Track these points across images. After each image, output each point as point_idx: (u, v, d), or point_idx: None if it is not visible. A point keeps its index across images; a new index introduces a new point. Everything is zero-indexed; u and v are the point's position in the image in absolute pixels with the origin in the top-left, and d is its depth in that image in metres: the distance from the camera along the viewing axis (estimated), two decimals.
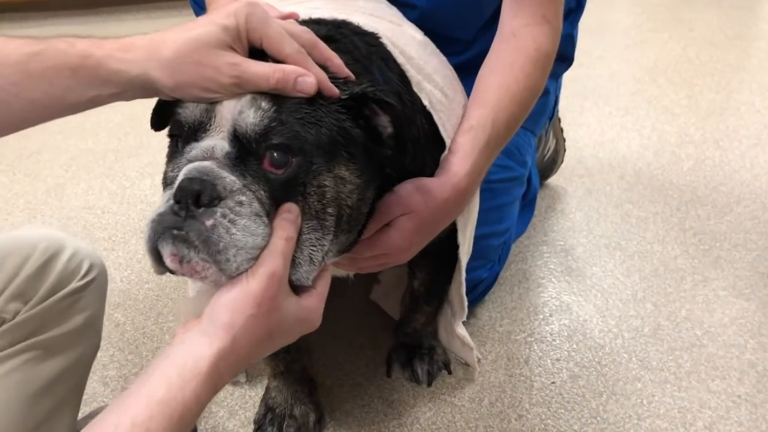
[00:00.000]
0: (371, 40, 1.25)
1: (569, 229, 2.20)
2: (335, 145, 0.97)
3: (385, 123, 1.03)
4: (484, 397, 1.61)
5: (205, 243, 0.85)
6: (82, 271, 1.20)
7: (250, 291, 0.84)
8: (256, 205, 0.89)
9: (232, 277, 0.87)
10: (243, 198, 0.88)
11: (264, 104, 0.92)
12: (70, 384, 1.20)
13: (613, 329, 1.79)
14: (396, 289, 1.72)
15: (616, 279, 1.97)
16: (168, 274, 0.90)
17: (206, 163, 0.90)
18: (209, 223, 0.86)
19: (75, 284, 1.18)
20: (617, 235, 2.16)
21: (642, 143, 2.71)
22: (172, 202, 0.88)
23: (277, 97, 0.92)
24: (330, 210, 0.97)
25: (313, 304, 0.94)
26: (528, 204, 2.13)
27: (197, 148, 0.92)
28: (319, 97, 0.95)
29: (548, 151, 2.35)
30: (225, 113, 0.92)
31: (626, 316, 1.84)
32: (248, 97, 0.92)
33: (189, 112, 0.94)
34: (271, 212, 0.90)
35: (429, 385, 1.63)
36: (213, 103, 0.93)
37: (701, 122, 2.86)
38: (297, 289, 0.93)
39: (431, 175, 1.25)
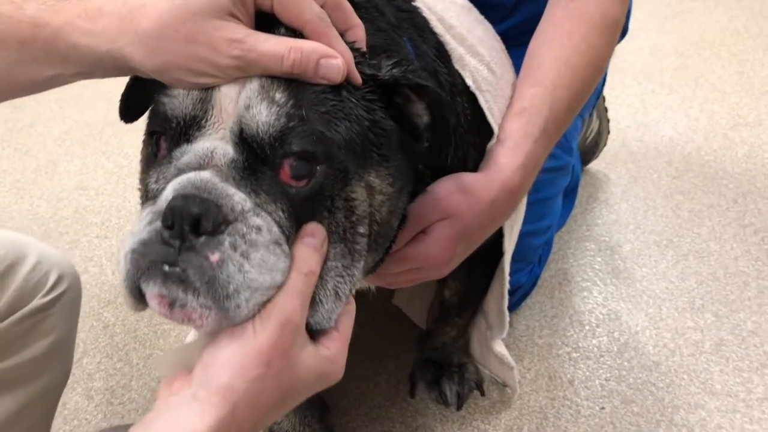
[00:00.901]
0: (402, 3, 1.03)
1: (614, 222, 1.96)
2: (366, 145, 0.75)
3: (420, 111, 0.82)
4: (523, 425, 1.39)
5: (209, 285, 0.64)
6: (48, 284, 0.98)
7: (258, 345, 0.64)
8: (275, 230, 0.68)
9: (237, 323, 0.66)
10: (258, 221, 0.67)
11: (278, 96, 0.70)
12: (33, 420, 0.99)
13: (669, 344, 1.57)
14: (422, 296, 1.50)
15: (669, 283, 1.74)
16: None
17: (205, 175, 0.68)
18: (215, 258, 0.64)
19: (39, 301, 0.97)
20: (668, 231, 1.92)
21: (690, 125, 2.46)
22: (158, 225, 0.66)
23: (292, 83, 0.70)
24: (361, 229, 0.76)
25: (335, 351, 0.72)
26: (569, 193, 1.89)
27: (190, 152, 0.70)
28: (345, 81, 0.74)
29: (591, 133, 2.10)
30: (226, 105, 0.70)
31: (683, 328, 1.61)
32: (255, 84, 0.70)
33: (177, 102, 0.71)
34: (291, 237, 0.69)
35: (459, 408, 1.42)
36: (209, 90, 0.71)
37: (755, 102, 2.60)
38: (313, 332, 0.72)
39: (474, 169, 1.03)
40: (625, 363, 1.52)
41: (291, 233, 0.70)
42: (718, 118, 2.50)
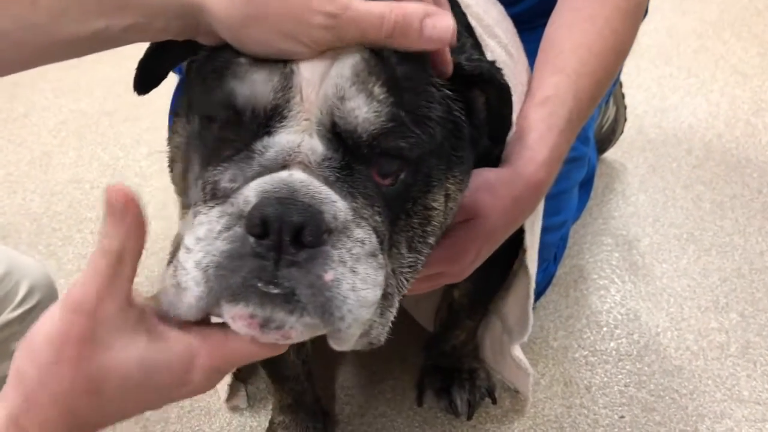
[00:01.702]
0: None
1: (632, 215, 1.86)
2: (448, 149, 0.70)
3: (480, 106, 0.77)
4: None
5: (323, 307, 0.57)
6: (18, 297, 0.91)
7: (46, 331, 0.56)
8: (374, 240, 0.61)
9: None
10: (361, 234, 0.61)
11: (377, 91, 0.62)
12: None
13: (692, 346, 1.48)
14: (429, 297, 1.41)
15: (691, 280, 1.64)
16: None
17: (301, 176, 0.60)
18: (329, 276, 0.58)
19: (7, 316, 0.90)
20: (689, 224, 1.82)
21: (710, 110, 2.35)
22: (240, 233, 0.58)
23: (388, 76, 0.63)
24: (431, 240, 0.71)
25: (190, 361, 0.60)
26: (584, 185, 1.79)
27: (274, 146, 0.62)
28: (430, 76, 0.68)
29: (607, 120, 2.00)
30: (308, 93, 0.62)
31: (707, 329, 1.51)
32: (347, 70, 0.62)
33: (257, 90, 0.62)
34: (384, 243, 0.64)
35: (469, 417, 1.34)
36: (289, 75, 0.62)
37: None
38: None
39: (494, 164, 0.95)
40: (646, 368, 1.43)
41: (385, 239, 0.64)
42: (740, 103, 2.39)
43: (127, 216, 0.56)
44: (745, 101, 2.39)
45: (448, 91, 0.70)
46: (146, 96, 2.44)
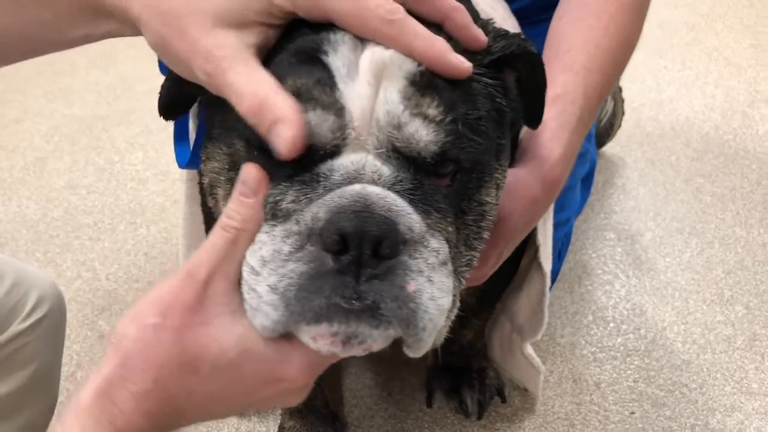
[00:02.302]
0: None
1: (633, 209, 1.86)
2: (494, 139, 0.69)
3: (512, 84, 0.75)
4: None
5: (407, 318, 0.57)
6: (27, 308, 0.89)
7: (156, 294, 0.57)
8: (445, 249, 0.62)
9: None
10: (435, 243, 0.61)
11: (432, 112, 0.61)
12: None
13: (699, 340, 1.47)
14: None
15: (695, 273, 1.64)
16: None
17: (377, 189, 0.59)
18: (412, 287, 0.57)
19: (16, 327, 0.87)
20: (691, 217, 1.82)
21: (706, 102, 2.35)
22: (313, 251, 0.57)
23: (436, 90, 0.61)
24: (485, 235, 0.70)
25: (293, 347, 0.59)
26: (585, 180, 1.78)
27: (339, 169, 0.60)
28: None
29: (605, 114, 2.00)
30: (363, 125, 0.60)
31: (713, 322, 1.51)
32: (394, 95, 0.60)
33: (315, 131, 0.59)
34: (452, 250, 0.64)
35: (480, 417, 1.33)
36: (341, 111, 0.60)
37: None
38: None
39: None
40: (654, 362, 1.43)
41: (452, 246, 0.63)
42: (736, 95, 2.39)
43: (259, 194, 0.58)
44: (741, 93, 2.40)
45: (488, 80, 0.68)
46: (138, 100, 2.42)
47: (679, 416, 1.32)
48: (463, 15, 0.67)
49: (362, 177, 0.59)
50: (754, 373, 1.39)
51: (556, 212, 1.45)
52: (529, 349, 1.25)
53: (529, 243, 1.14)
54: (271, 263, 0.57)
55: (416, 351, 0.62)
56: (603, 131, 2.02)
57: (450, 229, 0.63)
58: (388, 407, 1.36)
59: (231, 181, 0.65)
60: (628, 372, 1.41)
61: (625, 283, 1.62)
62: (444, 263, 0.61)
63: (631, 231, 1.78)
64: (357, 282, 0.56)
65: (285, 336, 0.59)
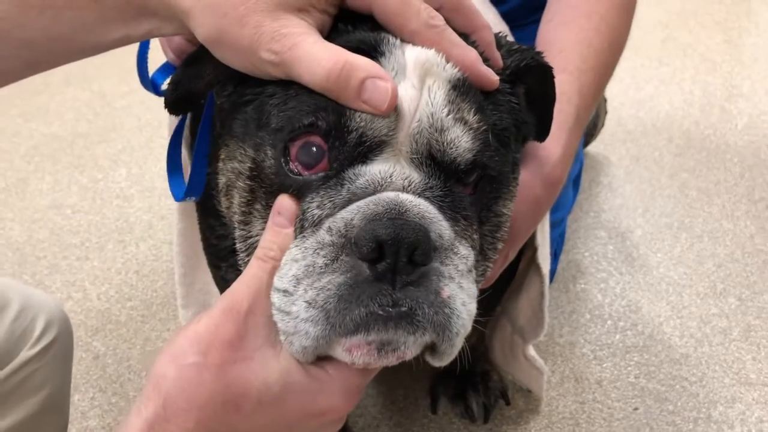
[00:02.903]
0: None
1: (621, 206, 1.88)
2: (513, 151, 0.71)
3: (522, 97, 0.77)
4: None
5: (442, 324, 0.57)
6: (36, 333, 0.87)
7: (196, 331, 0.56)
8: (472, 256, 0.62)
9: None
10: (464, 250, 0.61)
11: (471, 119, 0.61)
12: None
13: (696, 333, 1.49)
14: None
15: (687, 268, 1.66)
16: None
17: (410, 197, 0.59)
18: (446, 293, 0.58)
19: (26, 353, 0.86)
20: (679, 212, 1.85)
21: (685, 98, 2.39)
22: (348, 261, 0.56)
23: (472, 97, 0.62)
24: (499, 246, 0.71)
25: (332, 374, 0.59)
26: (574, 179, 1.81)
27: (365, 174, 0.60)
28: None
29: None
30: (405, 126, 0.60)
31: (708, 315, 1.53)
32: (440, 98, 0.60)
33: (377, 120, 0.59)
34: (475, 255, 0.64)
35: (486, 421, 1.33)
36: (396, 111, 0.60)
37: (747, 71, 2.54)
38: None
39: None
40: (653, 358, 1.44)
41: (476, 253, 0.64)
42: (713, 90, 2.43)
43: (293, 224, 0.59)
44: (717, 87, 2.44)
45: (509, 92, 0.70)
46: (118, 117, 2.40)
47: (682, 410, 1.33)
48: (489, 32, 0.69)
49: (389, 185, 0.59)
50: (751, 363, 1.41)
51: (552, 212, 1.46)
52: (532, 351, 1.25)
53: (526, 245, 1.15)
54: (305, 279, 0.57)
55: (445, 358, 0.62)
56: (587, 131, 2.04)
57: (475, 236, 0.64)
58: (393, 415, 1.36)
59: (250, 191, 0.64)
60: (629, 368, 1.42)
61: (620, 281, 1.63)
62: (470, 270, 0.62)
63: (621, 228, 1.80)
64: (393, 289, 0.56)
65: (321, 366, 0.59)
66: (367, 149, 0.60)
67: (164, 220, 1.96)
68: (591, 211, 1.87)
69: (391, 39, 0.62)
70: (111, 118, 2.48)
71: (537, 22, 1.18)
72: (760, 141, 2.12)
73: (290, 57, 0.57)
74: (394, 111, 0.59)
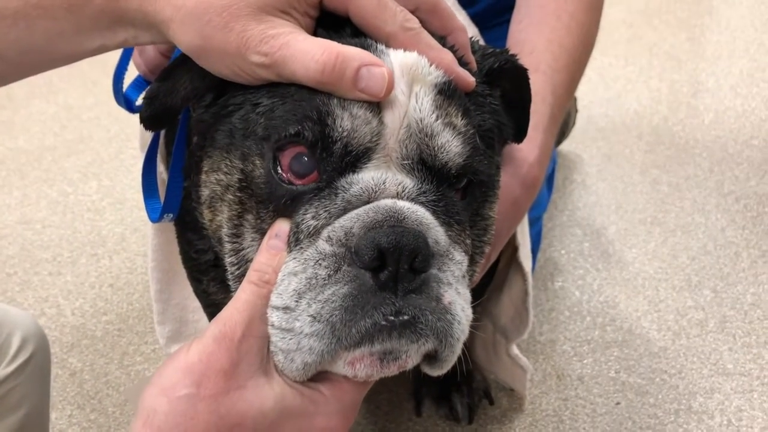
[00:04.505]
0: None
1: (595, 204, 1.90)
2: (498, 153, 0.72)
3: (498, 99, 0.76)
4: (540, 431, 1.31)
5: (444, 330, 0.57)
6: (12, 351, 0.85)
7: (187, 362, 0.54)
8: (465, 262, 0.62)
9: None
10: (458, 255, 0.61)
11: (459, 122, 0.61)
12: None
13: (673, 326, 1.51)
14: None
15: (662, 262, 1.68)
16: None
17: (407, 204, 0.59)
18: (448, 299, 0.58)
19: (2, 371, 0.84)
20: (651, 208, 1.87)
21: (652, 96, 2.42)
22: (350, 271, 0.56)
23: (457, 100, 0.62)
24: (486, 250, 0.71)
25: (326, 393, 0.59)
26: (548, 178, 1.82)
27: (358, 182, 0.59)
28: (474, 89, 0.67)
29: None
30: (393, 133, 0.60)
31: (684, 308, 1.55)
32: (428, 104, 0.60)
33: (360, 127, 0.58)
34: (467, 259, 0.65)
35: (471, 421, 1.33)
36: (378, 115, 0.59)
37: (711, 67, 2.58)
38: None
39: None
40: (633, 352, 1.45)
41: (468, 255, 0.64)
42: (679, 87, 2.47)
43: (286, 246, 0.57)
44: (683, 84, 2.48)
45: (488, 94, 0.70)
46: (86, 129, 2.37)
47: (663, 402, 1.34)
48: (465, 35, 0.69)
49: (383, 192, 0.59)
50: (728, 353, 1.43)
51: (529, 211, 1.47)
52: (515, 350, 1.26)
53: (506, 244, 1.15)
54: (308, 293, 0.56)
55: (445, 365, 0.62)
56: (559, 130, 2.06)
57: (468, 242, 0.64)
58: (377, 420, 1.35)
59: (240, 203, 0.63)
60: (609, 363, 1.43)
61: (596, 277, 1.65)
62: (464, 276, 0.62)
63: (596, 225, 1.82)
64: (396, 297, 0.56)
65: (315, 387, 0.58)
66: (355, 158, 0.59)
67: (137, 233, 1.93)
68: (566, 209, 1.88)
69: (376, 45, 0.62)
70: (79, 130, 2.44)
71: (506, 22, 1.19)
72: (726, 136, 2.16)
73: (281, 56, 0.57)
74: (376, 118, 0.59)
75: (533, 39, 1.09)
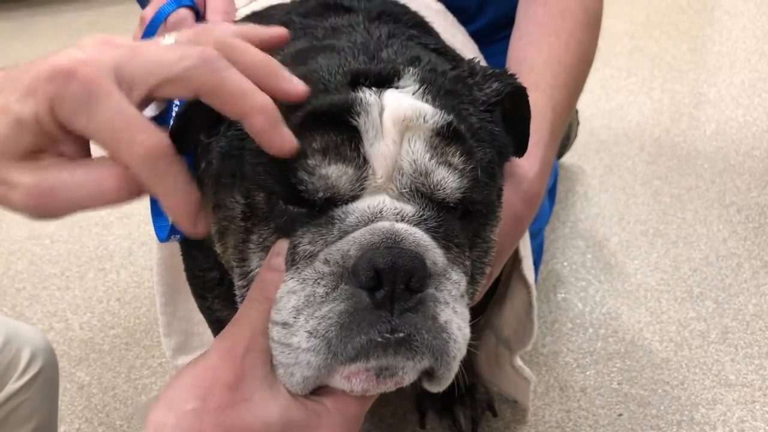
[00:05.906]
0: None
1: (597, 215, 1.91)
2: (500, 179, 0.73)
3: (499, 119, 0.78)
4: None
5: (440, 348, 0.59)
6: (21, 365, 0.87)
7: (194, 376, 0.56)
8: (464, 281, 0.64)
9: None
10: (455, 276, 0.62)
11: (456, 161, 0.63)
12: None
13: (675, 337, 1.52)
14: None
15: (664, 273, 1.69)
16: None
17: (405, 226, 0.60)
18: (443, 318, 0.59)
19: (12, 386, 0.86)
20: (653, 219, 1.88)
21: (654, 107, 2.43)
22: (348, 290, 0.57)
23: (458, 140, 0.63)
24: (487, 270, 0.72)
25: (329, 406, 0.60)
26: (550, 191, 1.83)
27: (354, 212, 0.61)
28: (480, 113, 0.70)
29: None
30: (384, 173, 0.61)
31: (686, 319, 1.56)
32: (419, 145, 0.61)
33: (335, 183, 0.60)
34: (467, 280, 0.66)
35: None
36: (363, 164, 0.60)
37: (713, 78, 2.60)
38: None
39: None
40: (635, 363, 1.46)
41: (468, 278, 0.66)
42: (681, 98, 2.48)
43: (282, 272, 0.59)
44: (685, 95, 2.49)
45: (491, 121, 0.72)
46: (94, 144, 2.38)
47: (665, 414, 1.35)
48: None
49: (380, 218, 0.60)
50: (730, 364, 1.44)
51: (530, 224, 1.49)
52: (519, 361, 1.27)
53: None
54: (306, 309, 0.58)
55: (443, 383, 0.63)
56: (561, 142, 2.07)
57: (467, 263, 0.66)
58: None
59: (245, 231, 0.65)
60: (612, 375, 1.44)
61: (599, 288, 1.66)
62: (462, 295, 0.63)
63: (598, 237, 1.83)
64: (392, 315, 0.57)
65: (318, 401, 0.60)
66: (343, 201, 0.61)
67: (144, 247, 1.95)
68: (568, 221, 1.90)
69: (365, 98, 0.61)
70: None
71: (507, 38, 1.21)
72: (728, 147, 2.17)
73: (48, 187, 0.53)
74: (353, 169, 0.59)
75: (532, 57, 1.10)
